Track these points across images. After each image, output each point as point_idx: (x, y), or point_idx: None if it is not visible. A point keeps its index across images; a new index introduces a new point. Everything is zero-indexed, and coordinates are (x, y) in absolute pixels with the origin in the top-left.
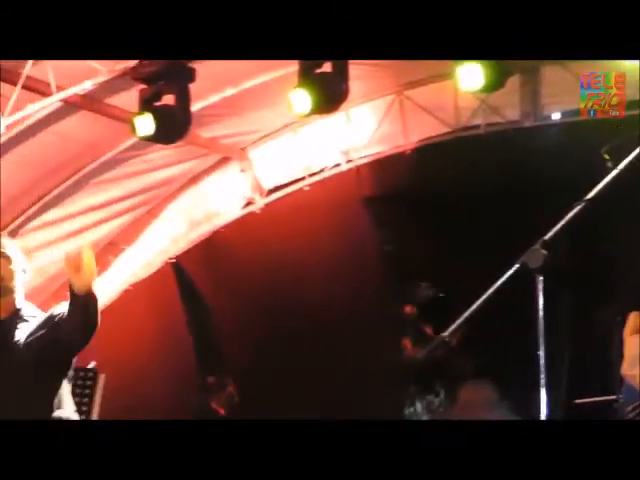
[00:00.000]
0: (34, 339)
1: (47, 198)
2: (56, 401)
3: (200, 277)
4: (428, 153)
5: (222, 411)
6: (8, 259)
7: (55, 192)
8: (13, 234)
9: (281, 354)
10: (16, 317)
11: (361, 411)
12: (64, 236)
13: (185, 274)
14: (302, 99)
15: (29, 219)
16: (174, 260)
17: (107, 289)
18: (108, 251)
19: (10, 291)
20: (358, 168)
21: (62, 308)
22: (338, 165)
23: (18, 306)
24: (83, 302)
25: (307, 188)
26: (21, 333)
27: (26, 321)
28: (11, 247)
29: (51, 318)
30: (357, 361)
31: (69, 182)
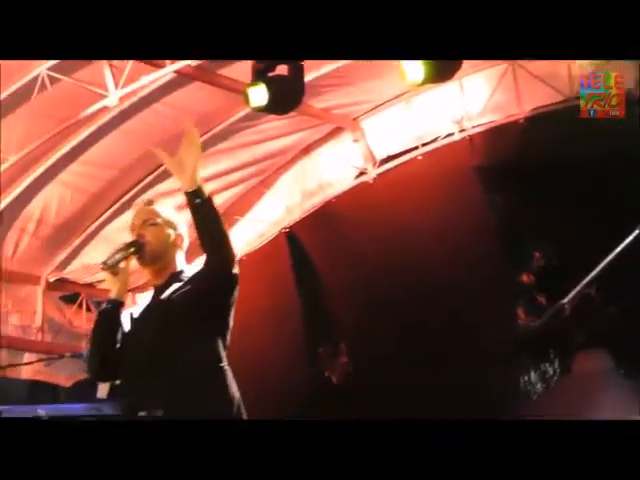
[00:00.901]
0: (183, 296)
1: (161, 169)
2: (220, 359)
3: (313, 247)
4: (541, 122)
5: (335, 379)
6: (160, 226)
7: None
8: (127, 205)
9: (393, 322)
10: (172, 281)
11: (470, 376)
12: (178, 207)
13: (299, 244)
14: (415, 68)
15: (143, 190)
16: (288, 230)
17: None
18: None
19: (162, 257)
20: (471, 137)
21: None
22: (451, 134)
23: (174, 270)
24: (199, 202)
25: (420, 158)
26: (176, 295)
27: (182, 281)
28: (166, 213)
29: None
30: (469, 329)
31: None
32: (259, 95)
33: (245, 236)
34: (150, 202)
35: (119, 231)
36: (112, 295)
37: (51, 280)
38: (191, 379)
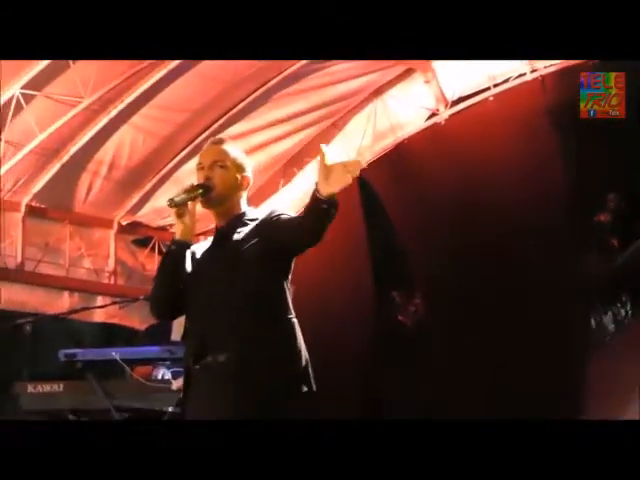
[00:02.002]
0: (253, 244)
1: (233, 112)
2: (287, 310)
3: (384, 189)
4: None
5: (408, 322)
6: (229, 168)
7: (240, 106)
8: (199, 148)
9: (468, 265)
10: (237, 223)
11: (547, 315)
12: (249, 149)
13: (369, 187)
14: None
15: (214, 133)
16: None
17: (292, 201)
18: (293, 164)
19: (228, 200)
20: (543, 78)
21: (280, 209)
22: (523, 75)
23: (238, 212)
24: (325, 208)
25: (491, 98)
26: (241, 237)
27: (247, 224)
28: (235, 154)
29: (270, 219)
30: (544, 269)
31: (254, 95)
32: None
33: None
34: (220, 141)
35: (191, 174)
36: (177, 236)
37: (123, 223)
38: (258, 327)
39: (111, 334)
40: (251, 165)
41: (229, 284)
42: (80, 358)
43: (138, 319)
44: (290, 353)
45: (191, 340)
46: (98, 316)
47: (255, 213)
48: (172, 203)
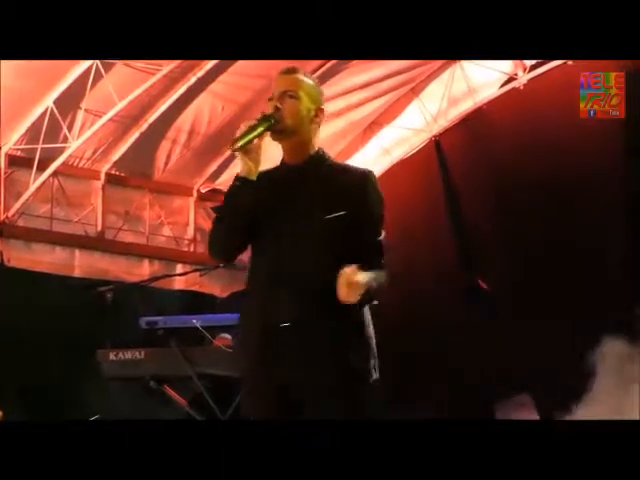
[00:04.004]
0: (338, 209)
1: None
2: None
3: (461, 155)
4: None
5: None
6: (300, 99)
7: (319, 72)
8: None
9: (538, 241)
10: (317, 163)
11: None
12: (328, 115)
13: (445, 153)
14: None
15: None
16: (437, 138)
17: (368, 166)
18: (371, 130)
19: (299, 133)
20: None
21: (373, 190)
22: None
23: (312, 150)
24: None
25: (571, 63)
26: (324, 190)
27: (330, 170)
28: (304, 84)
29: (364, 202)
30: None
31: (333, 61)
32: None
33: (392, 144)
34: (292, 70)
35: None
36: (241, 172)
37: (203, 191)
38: (327, 303)
39: (192, 301)
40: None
41: (303, 248)
42: (161, 326)
43: (219, 287)
44: (359, 343)
45: (258, 305)
46: (178, 284)
47: (328, 157)
48: (236, 147)
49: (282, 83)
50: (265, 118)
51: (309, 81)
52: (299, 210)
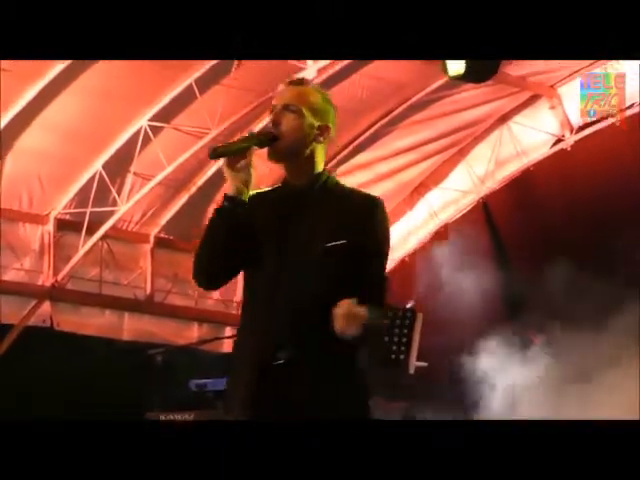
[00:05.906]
0: (341, 233)
1: (358, 141)
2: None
3: (509, 216)
4: None
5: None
6: (303, 114)
7: (366, 134)
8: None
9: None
10: (319, 184)
11: None
12: (375, 178)
13: (493, 214)
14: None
15: (339, 163)
16: (484, 199)
17: (415, 228)
18: (418, 192)
19: (299, 154)
20: None
21: (379, 222)
22: None
23: (314, 171)
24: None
25: (618, 124)
26: (321, 207)
27: (333, 192)
28: (309, 97)
29: (367, 234)
30: None
31: (380, 124)
32: (456, 64)
33: (439, 206)
34: (297, 82)
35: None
36: (231, 192)
37: None
38: (324, 340)
39: None
40: (334, 111)
41: (304, 274)
42: (211, 388)
43: None
44: (351, 391)
45: (254, 330)
46: (227, 346)
47: (340, 184)
48: (213, 154)
49: (285, 95)
50: (257, 136)
51: (317, 95)
52: (298, 235)
